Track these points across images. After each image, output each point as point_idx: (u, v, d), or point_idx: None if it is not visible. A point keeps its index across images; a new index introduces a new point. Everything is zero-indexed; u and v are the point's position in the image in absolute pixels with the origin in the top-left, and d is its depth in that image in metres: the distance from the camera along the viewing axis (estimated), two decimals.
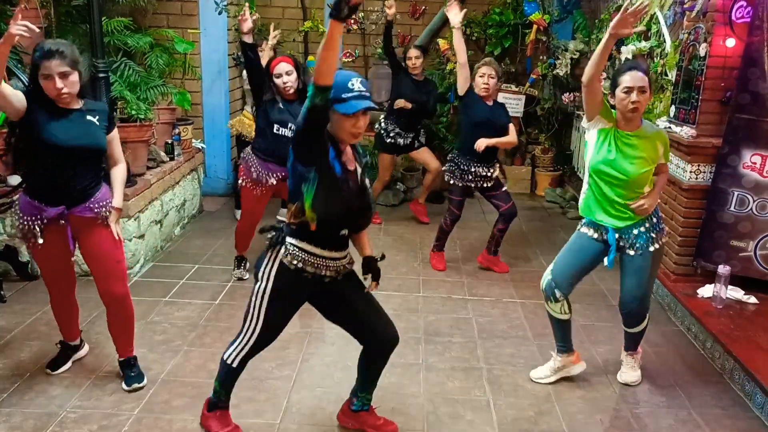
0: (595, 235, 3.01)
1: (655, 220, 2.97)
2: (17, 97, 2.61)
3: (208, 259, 4.65)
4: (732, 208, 3.86)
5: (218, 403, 2.63)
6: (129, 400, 2.89)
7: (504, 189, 4.43)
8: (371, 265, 2.54)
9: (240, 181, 4.09)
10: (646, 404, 3.04)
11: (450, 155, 4.52)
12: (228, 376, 2.59)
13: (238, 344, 2.50)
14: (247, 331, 2.47)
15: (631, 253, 2.95)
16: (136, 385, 2.99)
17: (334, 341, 3.48)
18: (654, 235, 2.95)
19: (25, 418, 2.73)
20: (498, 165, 4.45)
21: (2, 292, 3.82)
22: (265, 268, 2.39)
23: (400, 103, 5.23)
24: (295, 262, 2.32)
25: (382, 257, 2.56)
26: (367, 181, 2.41)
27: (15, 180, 3.99)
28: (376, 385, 2.71)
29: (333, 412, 2.86)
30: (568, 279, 3.05)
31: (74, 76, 2.64)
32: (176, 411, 2.84)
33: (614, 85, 2.84)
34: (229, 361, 2.53)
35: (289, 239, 2.34)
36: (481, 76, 4.23)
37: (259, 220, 4.09)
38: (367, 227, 2.53)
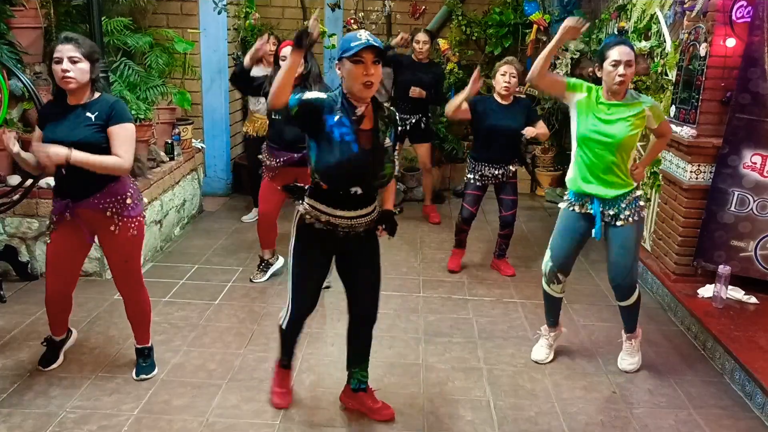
0: (580, 210, 3.12)
1: (639, 192, 3.11)
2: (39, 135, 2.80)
3: (208, 260, 4.64)
4: (732, 208, 3.86)
5: (281, 362, 2.89)
6: (129, 401, 2.89)
7: (512, 197, 4.43)
8: (386, 217, 2.61)
9: (260, 172, 4.18)
10: (646, 404, 3.04)
11: (468, 159, 4.52)
12: (282, 339, 2.83)
13: (285, 306, 2.72)
14: (289, 290, 2.67)
15: (619, 224, 3.07)
16: (143, 376, 3.05)
17: (333, 342, 3.47)
18: (639, 205, 3.09)
19: (24, 418, 2.73)
20: (518, 163, 4.46)
21: (2, 292, 3.82)
22: (292, 225, 2.61)
23: (415, 92, 5.28)
24: (308, 217, 2.52)
25: (400, 210, 2.67)
26: (388, 140, 2.48)
27: (15, 180, 3.99)
28: (365, 363, 2.83)
29: (333, 413, 2.86)
30: (567, 260, 3.21)
31: (84, 65, 2.67)
32: (176, 411, 2.83)
33: (602, 59, 2.96)
34: (279, 322, 2.77)
35: (306, 198, 2.54)
36: (502, 75, 4.25)
37: (275, 215, 4.12)
38: (386, 185, 2.61)
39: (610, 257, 3.16)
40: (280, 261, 4.35)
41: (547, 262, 3.25)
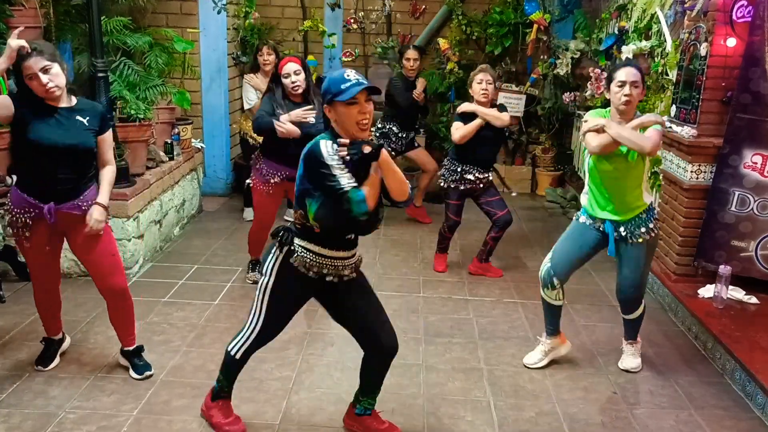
0: (594, 223, 3.13)
1: (648, 214, 3.10)
2: (5, 104, 2.68)
3: (208, 260, 4.64)
4: (733, 208, 3.85)
5: (221, 393, 2.69)
6: (128, 401, 2.88)
7: (498, 197, 4.42)
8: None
9: (249, 182, 4.09)
10: (647, 405, 3.03)
11: (444, 161, 4.48)
12: (231, 368, 2.64)
13: (242, 336, 2.57)
14: (250, 324, 2.55)
15: (631, 242, 3.08)
16: (147, 373, 3.06)
17: (333, 341, 3.47)
18: (650, 226, 3.07)
19: (23, 419, 2.72)
20: (493, 170, 4.45)
21: (1, 293, 3.81)
22: (269, 264, 2.46)
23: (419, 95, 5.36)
24: (301, 262, 2.38)
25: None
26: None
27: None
28: (378, 392, 2.69)
29: (333, 413, 2.85)
30: (566, 267, 3.19)
31: (56, 69, 2.67)
32: (176, 411, 2.83)
33: (609, 80, 3.00)
34: (232, 353, 2.59)
35: (296, 240, 2.40)
36: (479, 83, 4.23)
37: (272, 222, 4.07)
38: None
39: (621, 274, 3.16)
40: None
41: (545, 265, 3.22)
